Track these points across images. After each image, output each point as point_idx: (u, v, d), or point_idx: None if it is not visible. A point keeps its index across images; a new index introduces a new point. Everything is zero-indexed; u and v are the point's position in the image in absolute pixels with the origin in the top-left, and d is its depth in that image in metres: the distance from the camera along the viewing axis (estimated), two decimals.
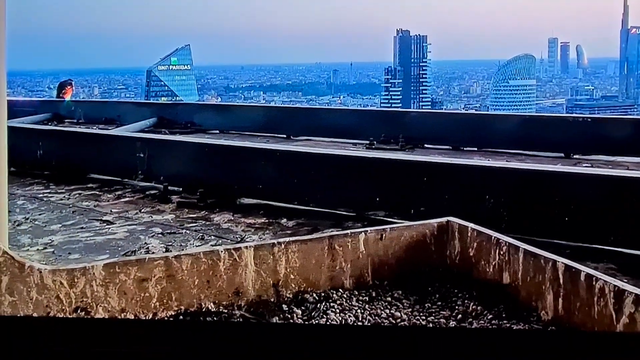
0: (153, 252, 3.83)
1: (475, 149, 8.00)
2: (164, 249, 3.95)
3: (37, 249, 4.01)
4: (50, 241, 4.18)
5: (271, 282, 2.34)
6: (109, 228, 4.49)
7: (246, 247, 2.32)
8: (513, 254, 2.30)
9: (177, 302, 2.20)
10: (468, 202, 4.15)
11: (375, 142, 8.27)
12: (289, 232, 4.34)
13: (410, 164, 4.66)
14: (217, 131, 9.98)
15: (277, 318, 2.21)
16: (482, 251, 2.45)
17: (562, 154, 7.51)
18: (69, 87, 14.89)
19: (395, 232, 2.56)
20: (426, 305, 2.32)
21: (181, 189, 5.33)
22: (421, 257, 2.57)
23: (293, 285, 2.37)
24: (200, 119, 10.26)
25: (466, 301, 2.31)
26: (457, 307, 2.28)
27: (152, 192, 5.56)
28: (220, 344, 1.55)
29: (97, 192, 5.66)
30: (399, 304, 2.34)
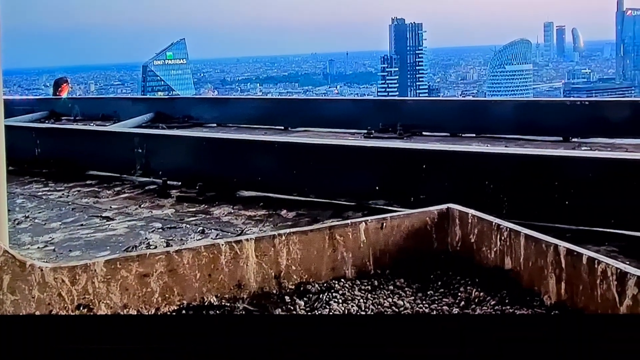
0: (154, 247, 3.82)
1: (474, 135, 7.99)
2: (165, 244, 3.95)
3: (38, 247, 4.00)
4: (50, 239, 4.17)
5: (273, 273, 2.33)
6: (109, 224, 4.48)
7: (247, 240, 2.31)
8: (514, 239, 2.30)
9: (179, 296, 2.20)
10: (468, 188, 4.14)
11: (373, 131, 8.26)
12: (289, 223, 4.33)
13: (409, 152, 4.65)
14: (215, 124, 9.98)
15: (279, 310, 2.21)
16: (483, 237, 2.44)
17: (561, 138, 7.51)
18: (64, 84, 14.88)
19: (395, 221, 2.55)
20: (429, 292, 2.32)
21: (180, 183, 5.33)
22: (422, 245, 2.57)
23: (295, 277, 2.37)
24: (198, 112, 10.26)
25: (469, 288, 2.30)
26: (459, 294, 2.28)
27: (151, 187, 5.55)
28: (223, 337, 1.55)
29: (96, 189, 5.65)
30: (401, 292, 2.33)
